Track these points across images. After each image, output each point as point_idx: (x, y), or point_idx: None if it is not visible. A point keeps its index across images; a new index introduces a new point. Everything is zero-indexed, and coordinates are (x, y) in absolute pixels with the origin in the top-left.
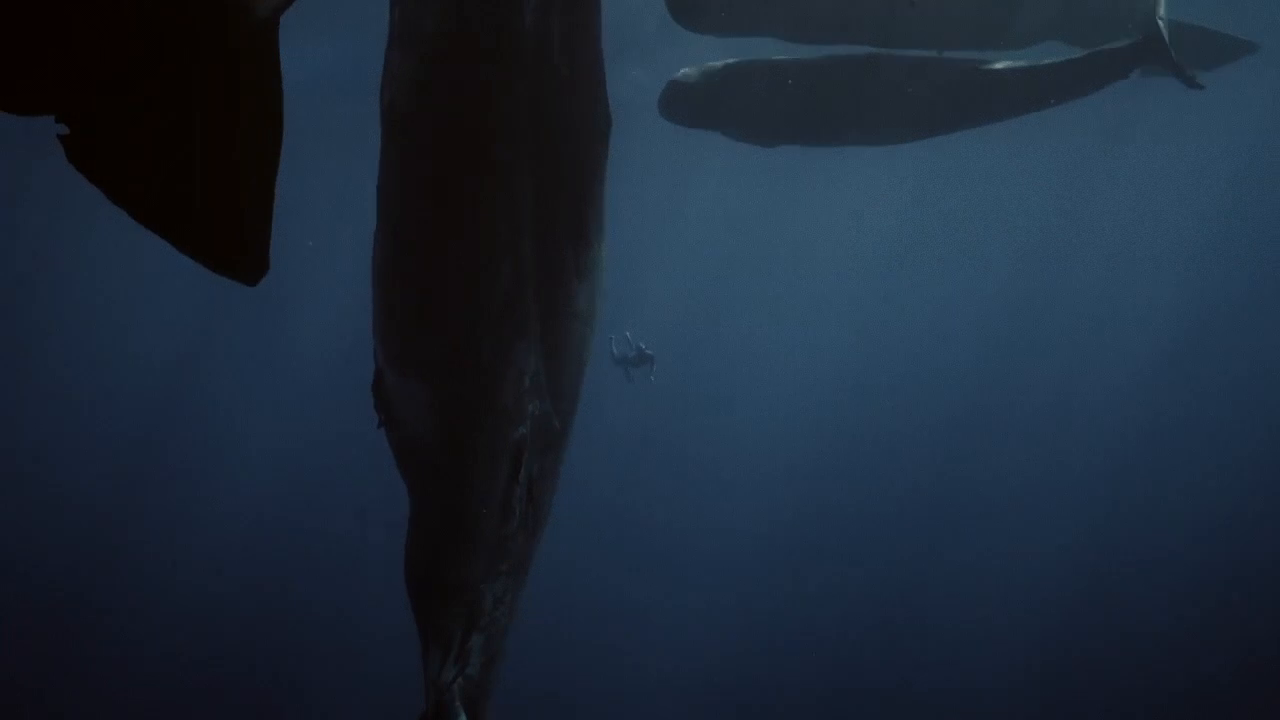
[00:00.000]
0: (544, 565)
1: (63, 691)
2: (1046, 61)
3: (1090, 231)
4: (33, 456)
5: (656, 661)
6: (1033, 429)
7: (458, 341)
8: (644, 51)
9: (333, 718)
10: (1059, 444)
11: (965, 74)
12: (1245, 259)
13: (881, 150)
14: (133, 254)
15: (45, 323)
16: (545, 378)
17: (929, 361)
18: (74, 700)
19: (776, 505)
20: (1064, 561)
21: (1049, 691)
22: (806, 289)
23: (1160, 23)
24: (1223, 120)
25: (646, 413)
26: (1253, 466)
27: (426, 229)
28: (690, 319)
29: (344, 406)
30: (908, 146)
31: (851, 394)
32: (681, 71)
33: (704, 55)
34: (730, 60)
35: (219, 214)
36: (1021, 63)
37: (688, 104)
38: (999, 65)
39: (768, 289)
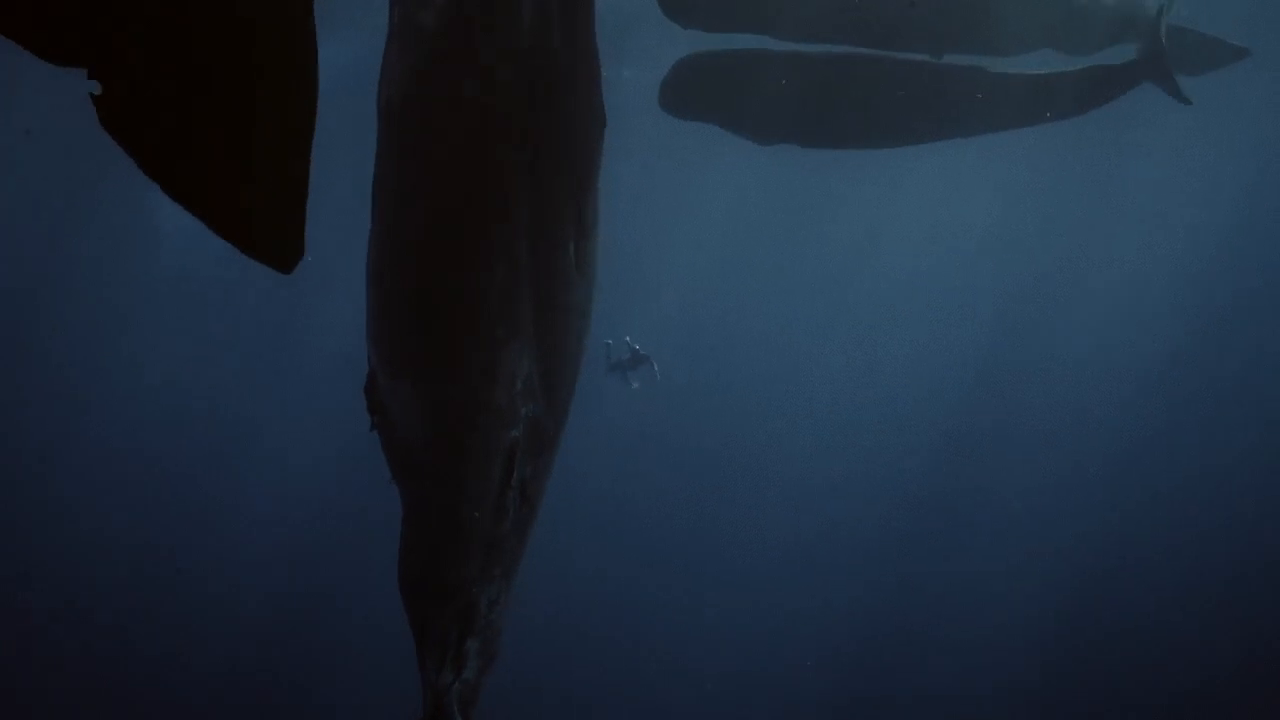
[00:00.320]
0: (559, 562)
1: (68, 693)
2: (1044, 72)
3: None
4: (39, 457)
5: (674, 660)
6: (1042, 433)
7: (450, 344)
8: (638, 51)
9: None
10: (1070, 447)
11: (960, 80)
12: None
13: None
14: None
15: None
16: (540, 379)
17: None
18: (76, 702)
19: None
20: (1078, 564)
21: (1071, 693)
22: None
23: (1163, 42)
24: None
25: (663, 411)
26: (1253, 469)
27: (420, 229)
28: (711, 320)
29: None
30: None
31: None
32: (679, 60)
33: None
34: (730, 49)
35: (252, 192)
36: (1017, 71)
37: (684, 95)
38: (995, 72)
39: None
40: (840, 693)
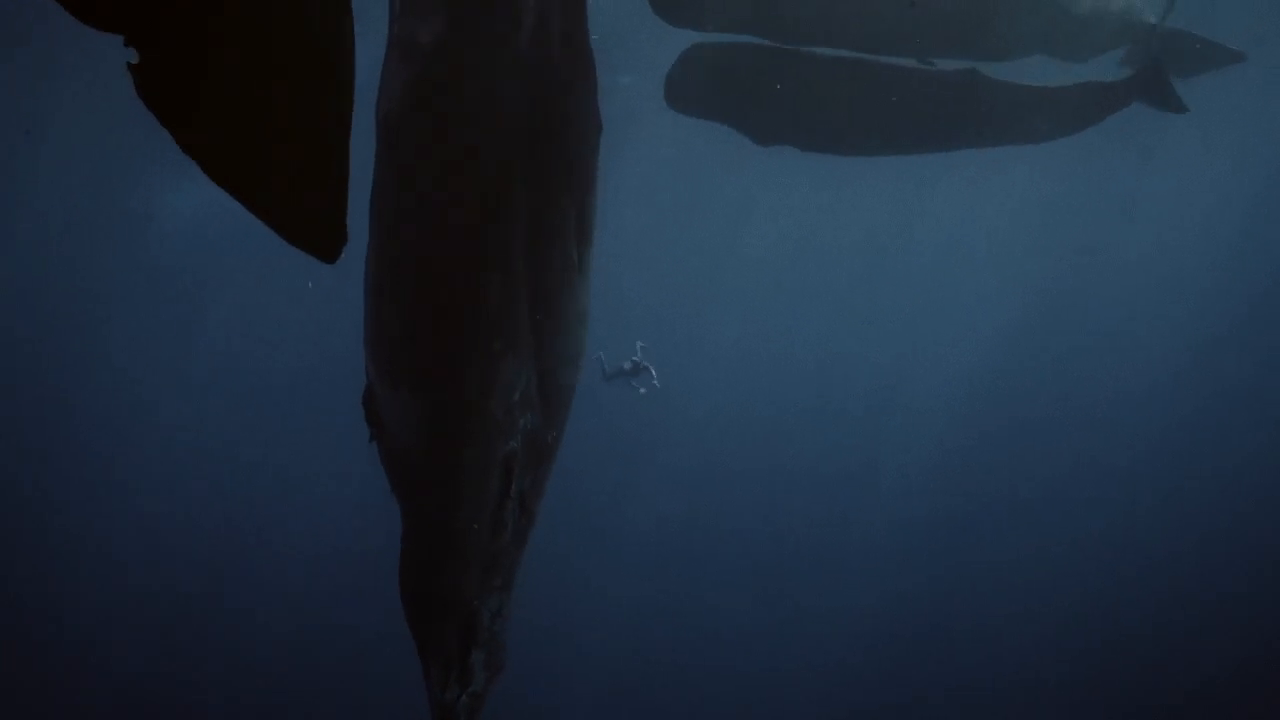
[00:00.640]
0: (557, 565)
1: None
2: (1041, 85)
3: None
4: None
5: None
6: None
7: (446, 356)
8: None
9: None
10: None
11: (953, 87)
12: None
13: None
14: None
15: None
16: (539, 389)
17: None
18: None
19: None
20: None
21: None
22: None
23: (1160, 61)
24: None
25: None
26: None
27: (416, 242)
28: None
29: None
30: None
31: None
32: (684, 52)
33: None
34: (733, 42)
35: (292, 174)
36: (1013, 81)
37: (687, 89)
38: (990, 80)
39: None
40: (847, 696)
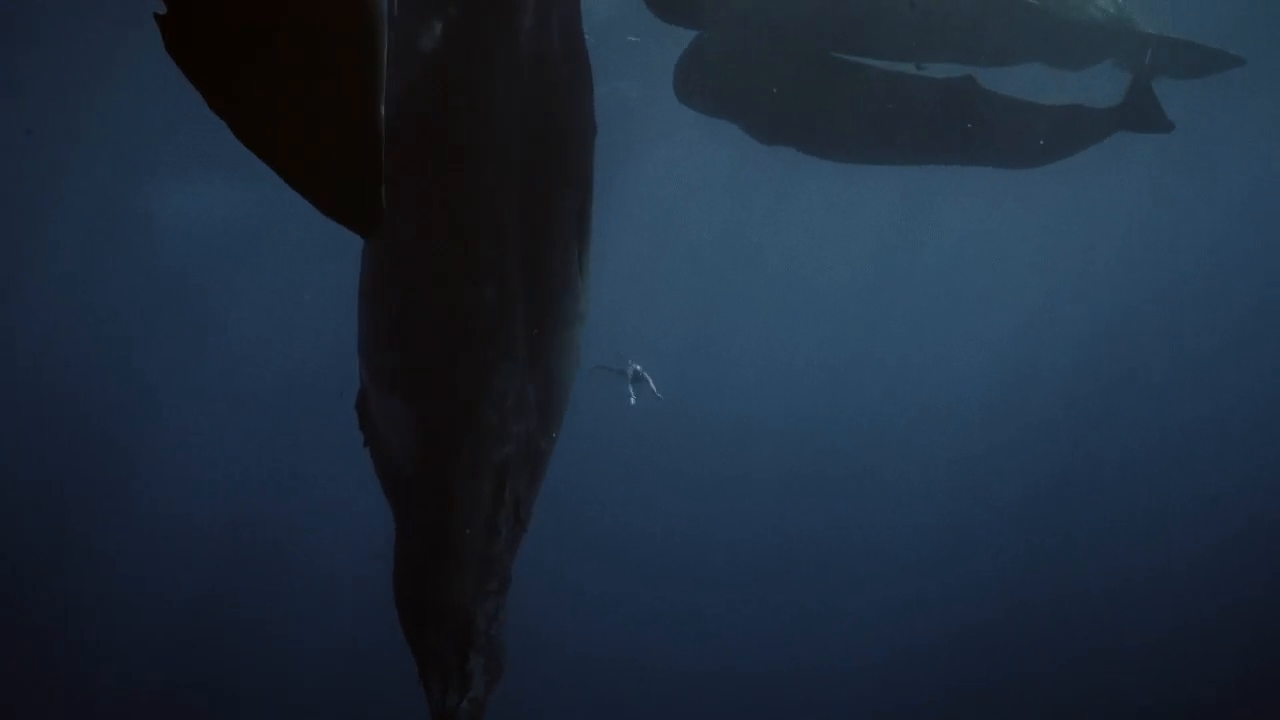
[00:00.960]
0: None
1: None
2: (1036, 102)
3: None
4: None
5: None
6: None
7: (439, 362)
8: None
9: None
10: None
11: (948, 93)
12: None
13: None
14: None
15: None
16: (537, 395)
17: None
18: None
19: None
20: None
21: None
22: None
23: (1150, 85)
24: None
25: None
26: None
27: (410, 249)
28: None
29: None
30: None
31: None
32: (692, 41)
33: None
34: (740, 35)
35: (324, 139)
36: (1005, 95)
37: (693, 80)
38: (985, 91)
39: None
40: (852, 699)
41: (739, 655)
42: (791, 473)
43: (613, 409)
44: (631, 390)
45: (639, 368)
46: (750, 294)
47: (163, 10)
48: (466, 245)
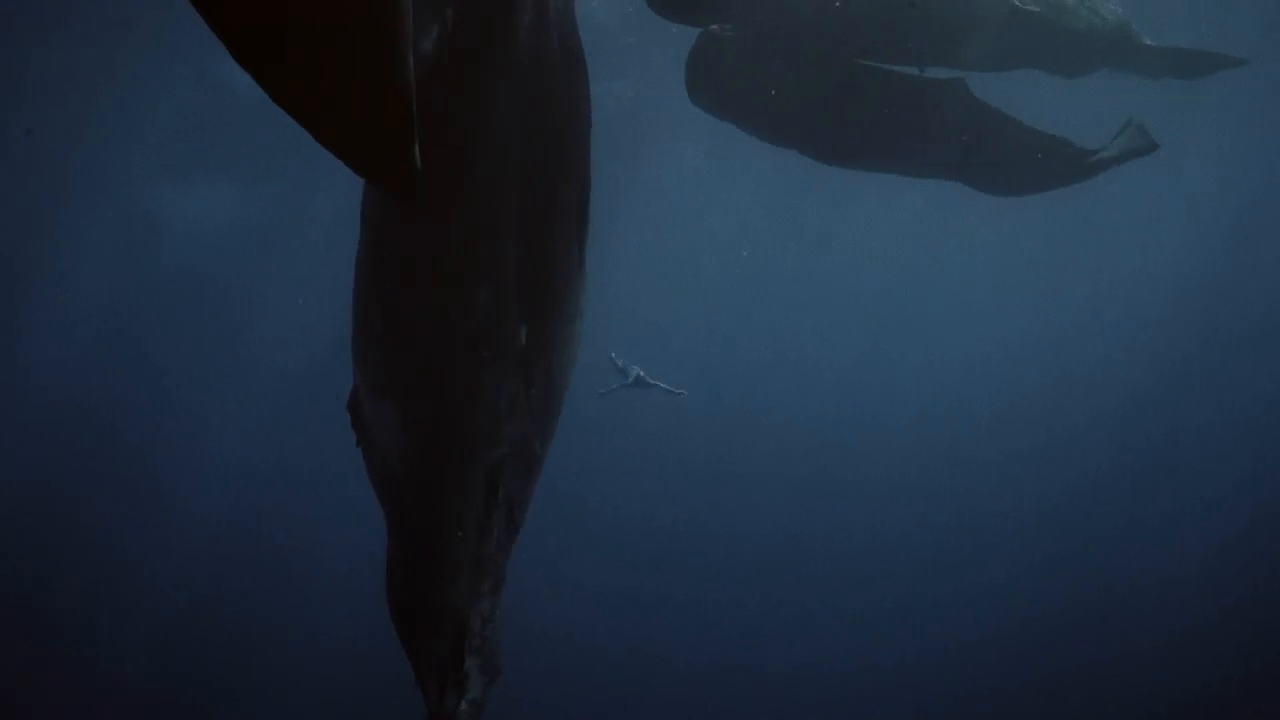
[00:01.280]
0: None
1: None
2: (1029, 124)
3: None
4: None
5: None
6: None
7: (432, 364)
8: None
9: None
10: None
11: (943, 97)
12: None
13: None
14: None
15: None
16: (533, 395)
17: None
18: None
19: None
20: None
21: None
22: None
23: (1146, 128)
24: None
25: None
26: None
27: (404, 248)
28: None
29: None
30: None
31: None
32: (701, 33)
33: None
34: (749, 30)
35: (355, 95)
36: (1004, 111)
37: (703, 75)
38: (981, 103)
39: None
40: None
41: (741, 652)
42: (802, 472)
43: (615, 407)
44: (615, 384)
45: (642, 373)
46: (763, 291)
47: None
48: (465, 245)
